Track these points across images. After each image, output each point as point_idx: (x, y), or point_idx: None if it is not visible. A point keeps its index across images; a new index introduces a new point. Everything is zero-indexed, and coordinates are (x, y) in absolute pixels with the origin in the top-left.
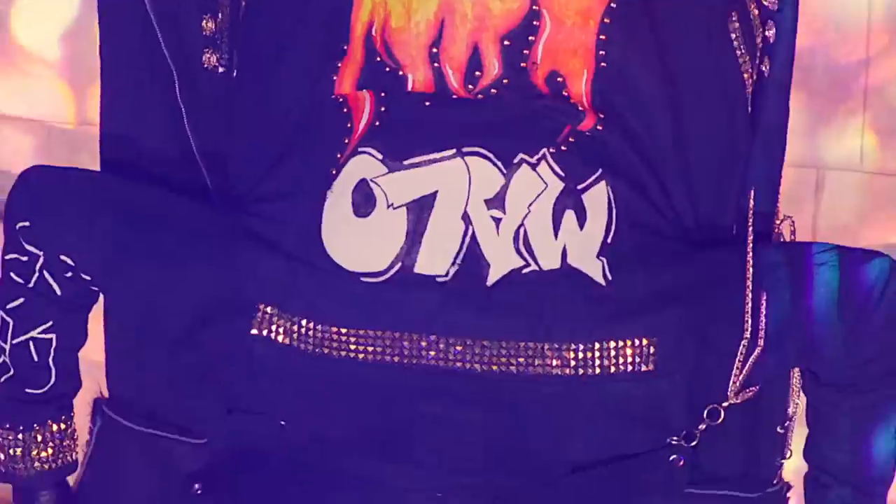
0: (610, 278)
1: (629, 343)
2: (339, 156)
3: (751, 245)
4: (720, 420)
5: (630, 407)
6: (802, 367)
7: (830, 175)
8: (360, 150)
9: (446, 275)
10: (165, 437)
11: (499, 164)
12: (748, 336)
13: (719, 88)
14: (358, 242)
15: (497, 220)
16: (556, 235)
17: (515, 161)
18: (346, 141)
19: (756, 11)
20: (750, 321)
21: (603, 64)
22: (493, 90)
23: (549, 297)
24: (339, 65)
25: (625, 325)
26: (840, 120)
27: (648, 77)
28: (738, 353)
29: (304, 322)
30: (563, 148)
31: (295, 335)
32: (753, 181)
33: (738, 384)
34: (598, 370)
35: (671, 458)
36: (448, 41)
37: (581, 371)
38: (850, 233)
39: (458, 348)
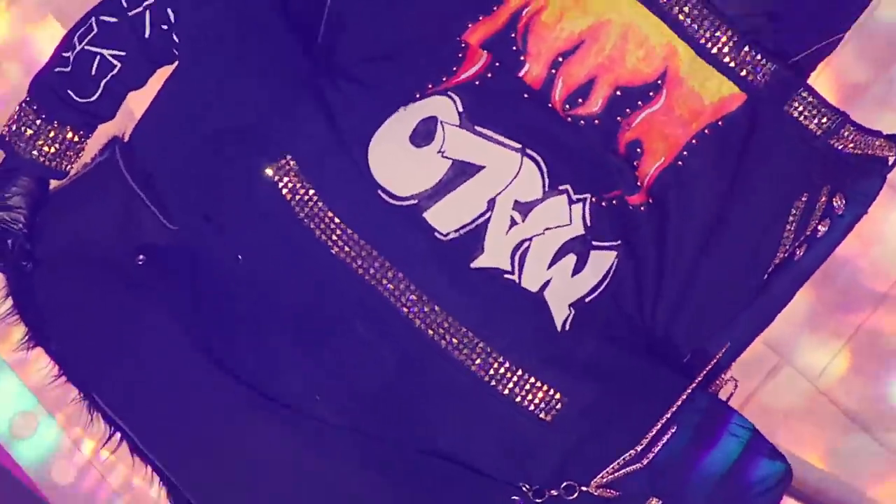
0: (567, 328)
1: (544, 388)
2: (429, 86)
3: (693, 386)
4: (571, 497)
5: (511, 437)
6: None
7: (787, 370)
8: (449, 92)
9: (445, 235)
10: (147, 204)
11: (547, 180)
12: (638, 450)
13: (754, 247)
14: (396, 162)
15: (513, 223)
16: (549, 266)
17: (561, 188)
18: (444, 79)
19: (824, 203)
20: (648, 441)
21: (680, 163)
22: (581, 121)
23: (509, 309)
24: (481, 17)
25: (550, 371)
26: (827, 333)
27: (707, 198)
28: (621, 458)
29: (311, 192)
30: (603, 203)
31: (297, 198)
32: (729, 337)
33: (604, 481)
34: (506, 391)
35: (513, 498)
36: (575, 60)
37: (493, 383)
38: (770, 425)
39: (413, 297)
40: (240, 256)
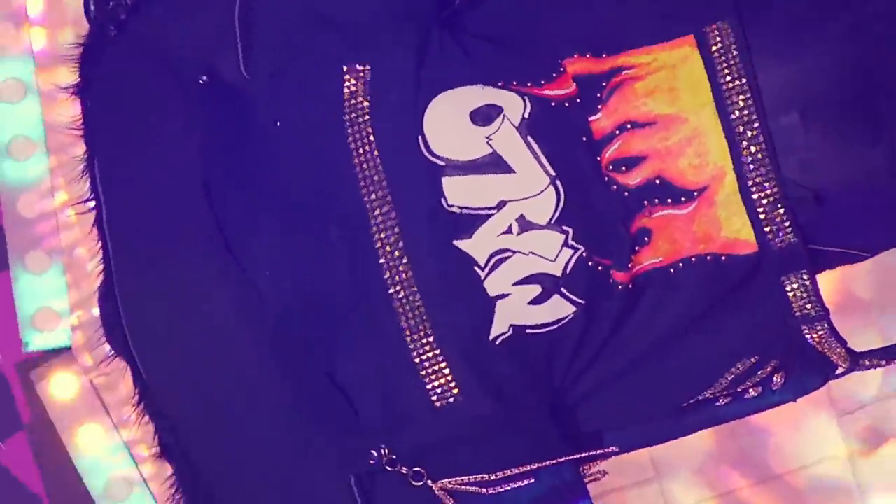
0: (497, 343)
1: (448, 377)
2: (514, 83)
3: (570, 459)
4: (416, 483)
5: (398, 402)
6: None
7: (655, 487)
8: (525, 97)
9: (449, 206)
10: (237, 43)
11: (557, 214)
12: (492, 478)
13: (690, 376)
14: (448, 123)
15: (508, 230)
16: (514, 283)
17: (564, 228)
18: (529, 84)
19: (766, 373)
20: (505, 476)
21: (672, 270)
22: (614, 186)
23: (461, 295)
24: (588, 55)
25: (461, 368)
26: (705, 479)
27: (678, 313)
28: (475, 476)
29: (365, 105)
30: (590, 263)
31: (352, 102)
32: (623, 439)
33: (449, 486)
34: (417, 360)
35: (371, 452)
36: (640, 134)
37: (412, 347)
38: None
39: (392, 238)
40: (279, 123)
